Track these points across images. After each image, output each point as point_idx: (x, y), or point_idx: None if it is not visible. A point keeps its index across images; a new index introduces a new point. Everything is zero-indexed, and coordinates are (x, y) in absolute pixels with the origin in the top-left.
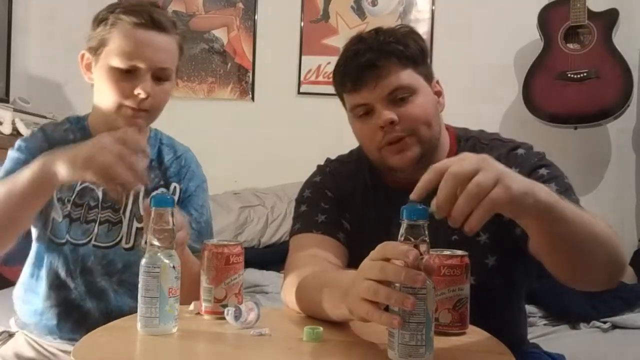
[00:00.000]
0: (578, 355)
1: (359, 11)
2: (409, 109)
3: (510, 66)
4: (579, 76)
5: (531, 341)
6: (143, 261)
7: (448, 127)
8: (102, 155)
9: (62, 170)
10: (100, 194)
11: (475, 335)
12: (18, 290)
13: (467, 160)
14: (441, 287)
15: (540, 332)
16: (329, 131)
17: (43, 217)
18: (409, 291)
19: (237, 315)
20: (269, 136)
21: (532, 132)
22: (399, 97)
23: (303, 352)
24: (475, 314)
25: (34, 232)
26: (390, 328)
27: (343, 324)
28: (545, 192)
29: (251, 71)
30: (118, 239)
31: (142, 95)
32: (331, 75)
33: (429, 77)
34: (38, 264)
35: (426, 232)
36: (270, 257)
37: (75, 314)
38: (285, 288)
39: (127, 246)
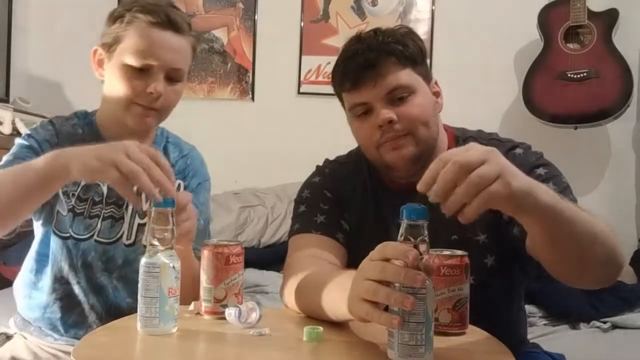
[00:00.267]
0: (578, 355)
1: (359, 11)
2: (408, 109)
3: (510, 66)
4: (579, 76)
5: (531, 341)
6: (143, 261)
7: (446, 127)
8: (127, 163)
9: (76, 167)
10: (105, 190)
11: (475, 335)
12: (18, 285)
13: (473, 150)
14: (441, 287)
15: (540, 332)
16: (328, 131)
17: (48, 210)
18: (409, 291)
19: (238, 316)
20: (269, 136)
21: (532, 132)
22: (398, 96)
23: (303, 352)
24: (474, 314)
25: (37, 226)
26: (390, 328)
27: (343, 324)
28: (546, 192)
29: (251, 71)
30: (119, 234)
31: (155, 94)
32: (331, 75)
33: (427, 77)
34: (40, 258)
35: (426, 232)
36: (270, 257)
37: (78, 308)
38: (284, 288)
39: (128, 242)
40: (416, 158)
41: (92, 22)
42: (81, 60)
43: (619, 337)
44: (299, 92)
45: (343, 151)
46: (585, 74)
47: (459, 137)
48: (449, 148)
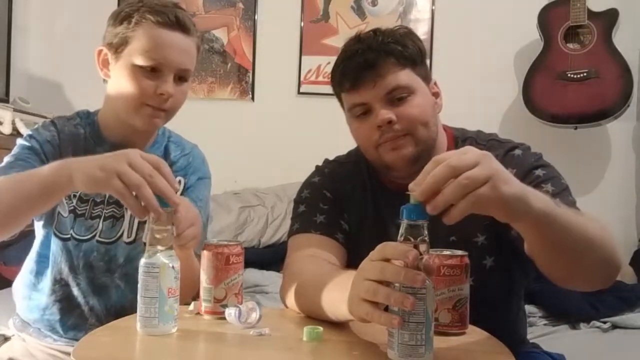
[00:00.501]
0: (578, 355)
1: (359, 11)
2: (407, 109)
3: (510, 66)
4: (579, 76)
5: (531, 341)
6: (142, 261)
7: (445, 128)
8: (130, 174)
9: (79, 178)
10: None
11: (475, 335)
12: (17, 286)
13: (468, 154)
14: (441, 287)
15: (540, 332)
16: (329, 131)
17: (49, 211)
18: (409, 291)
19: (238, 316)
20: (269, 136)
21: (532, 132)
22: (397, 97)
23: (303, 352)
24: (474, 315)
25: (38, 227)
26: (390, 328)
27: (343, 324)
28: (539, 199)
29: (251, 71)
30: (120, 233)
31: (165, 95)
32: (330, 76)
33: (427, 78)
34: (40, 259)
35: (426, 232)
36: (270, 257)
37: (77, 310)
38: (284, 288)
39: (128, 240)
40: (415, 158)
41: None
42: (81, 60)
43: (619, 337)
44: (299, 92)
45: (343, 151)
46: (585, 74)
47: (458, 138)
48: (448, 148)
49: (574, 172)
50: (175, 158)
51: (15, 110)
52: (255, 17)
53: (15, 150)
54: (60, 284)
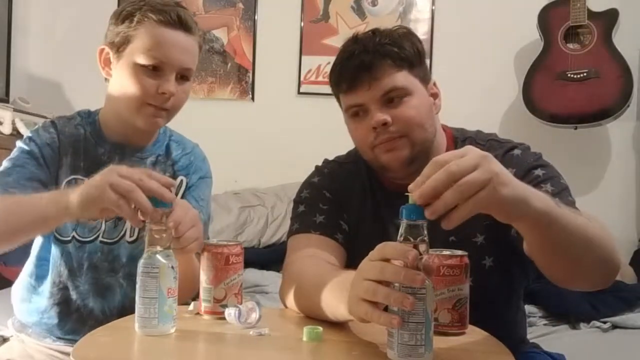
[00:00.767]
0: (578, 355)
1: (359, 11)
2: (403, 111)
3: (510, 66)
4: (579, 76)
5: (531, 341)
6: (141, 261)
7: (445, 128)
8: (121, 182)
9: (75, 202)
10: None
11: (474, 335)
12: (17, 289)
13: (467, 156)
14: (440, 287)
15: (540, 332)
16: (329, 131)
17: None
18: (408, 291)
19: (238, 316)
20: (269, 136)
21: (532, 132)
22: (393, 98)
23: (303, 352)
24: (473, 315)
25: None
26: (390, 328)
27: (343, 324)
28: (539, 199)
29: (251, 71)
30: (122, 233)
31: (167, 95)
32: (328, 76)
33: (425, 78)
34: (39, 262)
35: (425, 232)
36: (270, 257)
37: (75, 314)
38: (283, 288)
39: (130, 239)
40: (411, 160)
41: (93, 22)
42: (81, 60)
43: (619, 337)
44: (299, 92)
45: (343, 151)
46: (585, 74)
47: (458, 138)
48: (447, 149)
49: (574, 172)
50: (177, 157)
51: (15, 110)
52: (255, 17)
53: (13, 153)
54: (59, 287)
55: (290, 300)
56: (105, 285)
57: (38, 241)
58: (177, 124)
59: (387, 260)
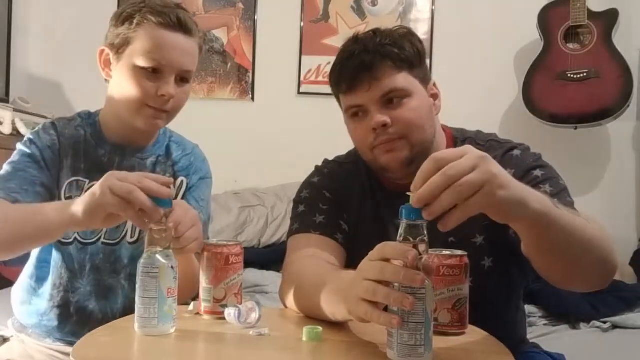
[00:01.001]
0: (578, 355)
1: (359, 11)
2: (403, 112)
3: (510, 66)
4: (579, 76)
5: (531, 341)
6: (141, 261)
7: (445, 128)
8: (121, 184)
9: (81, 210)
10: None
11: (474, 335)
12: (16, 291)
13: (466, 157)
14: (440, 287)
15: (540, 332)
16: (329, 131)
17: None
18: (408, 291)
19: (238, 316)
20: (269, 136)
21: (532, 132)
22: (393, 99)
23: (303, 352)
24: (473, 315)
25: None
26: (390, 328)
27: (343, 324)
28: (538, 201)
29: (251, 71)
30: (124, 234)
31: (166, 97)
32: (328, 76)
33: (425, 79)
34: (40, 264)
35: (425, 232)
36: (270, 257)
37: (75, 317)
38: (283, 288)
39: (132, 240)
40: (410, 161)
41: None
42: (81, 61)
43: (619, 337)
44: (299, 92)
45: (343, 151)
46: (585, 74)
47: (458, 138)
48: (447, 149)
49: (574, 172)
50: (177, 158)
51: (15, 110)
52: (255, 17)
53: (14, 156)
54: (59, 289)
55: (290, 300)
56: (108, 287)
57: None
58: (177, 124)
59: (387, 260)
